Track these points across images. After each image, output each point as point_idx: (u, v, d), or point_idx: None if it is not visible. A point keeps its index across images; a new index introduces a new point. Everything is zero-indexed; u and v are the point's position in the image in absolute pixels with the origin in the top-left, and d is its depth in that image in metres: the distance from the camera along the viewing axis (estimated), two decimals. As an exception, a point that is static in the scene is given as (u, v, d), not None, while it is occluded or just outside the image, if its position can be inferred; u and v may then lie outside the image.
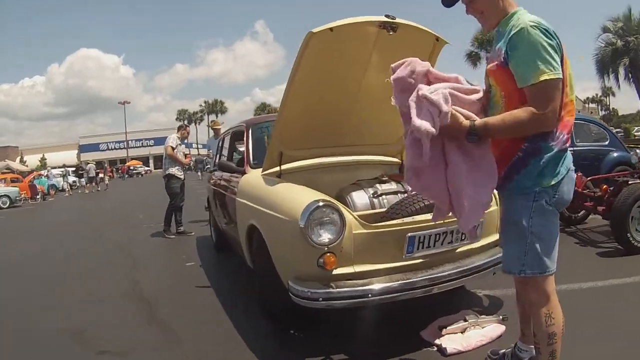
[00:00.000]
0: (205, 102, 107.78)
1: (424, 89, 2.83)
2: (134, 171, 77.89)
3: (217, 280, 6.86)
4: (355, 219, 3.98)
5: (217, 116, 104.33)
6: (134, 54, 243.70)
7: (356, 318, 4.71)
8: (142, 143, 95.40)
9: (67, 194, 36.69)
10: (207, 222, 10.41)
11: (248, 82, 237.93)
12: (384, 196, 5.03)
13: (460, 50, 56.36)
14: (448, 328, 4.23)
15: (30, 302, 6.46)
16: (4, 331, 5.42)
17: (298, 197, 4.13)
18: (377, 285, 3.83)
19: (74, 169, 47.49)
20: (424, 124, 2.72)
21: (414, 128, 2.77)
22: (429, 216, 3.99)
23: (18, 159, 78.67)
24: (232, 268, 7.44)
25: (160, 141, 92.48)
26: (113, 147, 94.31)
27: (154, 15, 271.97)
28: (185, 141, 11.67)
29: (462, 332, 4.23)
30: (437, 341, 4.10)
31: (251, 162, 5.90)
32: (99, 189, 39.19)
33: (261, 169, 5.35)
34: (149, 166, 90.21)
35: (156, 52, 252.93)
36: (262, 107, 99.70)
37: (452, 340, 4.09)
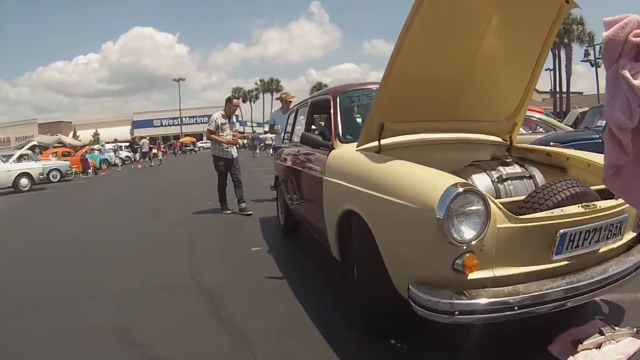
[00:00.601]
0: (260, 81, 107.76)
1: (626, 67, 1.98)
2: (187, 148, 78.28)
3: (289, 270, 6.01)
4: (500, 208, 3.11)
5: (272, 95, 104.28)
6: (189, 32, 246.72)
7: (468, 328, 3.79)
8: (196, 120, 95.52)
9: (119, 169, 36.73)
10: (271, 200, 10.34)
11: (303, 63, 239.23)
12: (509, 181, 4.17)
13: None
14: (584, 343, 3.40)
15: (72, 291, 5.70)
16: (41, 323, 4.69)
17: (428, 179, 3.25)
18: (526, 295, 2.98)
19: (126, 144, 47.66)
20: (615, 114, 1.99)
21: (605, 115, 2.07)
22: (578, 209, 3.29)
23: (71, 134, 79.74)
24: (305, 256, 6.67)
25: None
26: (166, 124, 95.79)
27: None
28: (239, 116, 11.29)
29: (597, 348, 3.40)
30: (571, 358, 3.31)
31: (340, 135, 5.08)
32: (152, 164, 39.10)
33: (353, 144, 4.61)
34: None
35: (211, 31, 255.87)
36: (318, 87, 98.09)
37: (589, 358, 3.29)
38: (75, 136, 77.89)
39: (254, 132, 75.94)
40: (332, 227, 4.55)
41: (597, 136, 12.13)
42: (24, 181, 21.67)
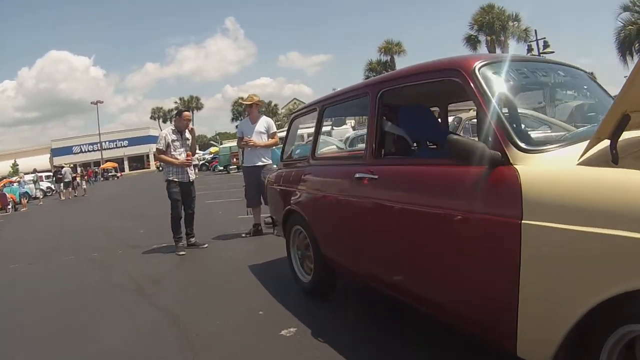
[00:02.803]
0: (180, 99, 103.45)
1: None
2: (109, 174, 74.87)
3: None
4: None
5: (193, 113, 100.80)
6: (104, 55, 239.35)
7: None
8: (117, 144, 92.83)
9: (41, 202, 32.38)
10: (245, 236, 9.45)
11: (220, 79, 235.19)
12: None
13: (458, 34, 54.78)
14: None
15: None
16: None
17: None
18: None
19: (48, 173, 44.33)
20: None
21: None
22: None
23: (-11, 165, 75.12)
24: (379, 340, 4.04)
25: (135, 141, 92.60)
26: (86, 150, 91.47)
27: (123, 15, 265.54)
28: (187, 133, 9.03)
29: None
30: None
31: (515, 139, 2.75)
32: (77, 194, 35.63)
33: (550, 154, 2.66)
34: (124, 169, 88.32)
35: (126, 52, 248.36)
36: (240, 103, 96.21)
37: None
38: (-7, 168, 73.64)
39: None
40: (561, 325, 2.27)
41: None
42: None
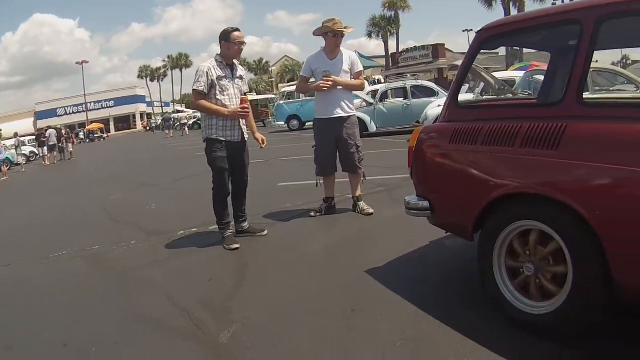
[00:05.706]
0: (168, 57, 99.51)
1: None
2: (95, 135, 72.07)
3: None
4: None
5: (181, 71, 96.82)
6: (89, 16, 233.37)
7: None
8: (102, 105, 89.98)
9: (23, 169, 28.89)
10: (315, 214, 6.79)
11: (207, 38, 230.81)
12: None
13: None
14: None
15: None
16: None
17: None
18: None
19: (31, 137, 42.51)
20: None
21: None
22: None
23: (-29, 132, 72.29)
24: None
25: (121, 101, 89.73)
26: (71, 112, 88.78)
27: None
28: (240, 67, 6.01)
29: None
30: None
31: None
32: (62, 158, 32.63)
33: None
34: (109, 130, 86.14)
35: (112, 13, 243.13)
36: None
37: None
38: (-24, 134, 70.76)
39: (164, 112, 74.93)
40: None
41: None
42: None
